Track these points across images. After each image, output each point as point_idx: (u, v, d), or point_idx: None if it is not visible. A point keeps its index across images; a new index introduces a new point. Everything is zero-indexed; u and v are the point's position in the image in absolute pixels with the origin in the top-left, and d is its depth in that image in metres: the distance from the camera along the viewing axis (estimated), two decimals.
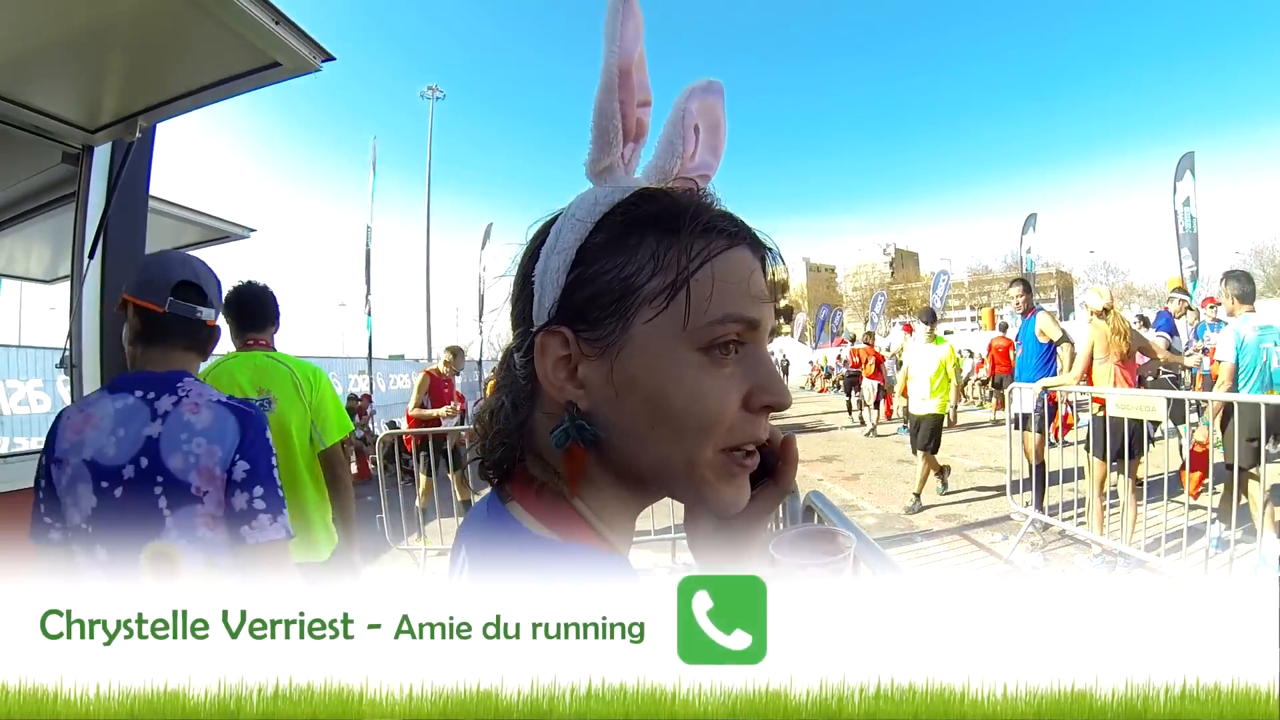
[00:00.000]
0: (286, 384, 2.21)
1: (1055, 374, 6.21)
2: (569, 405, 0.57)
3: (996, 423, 10.53)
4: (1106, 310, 5.40)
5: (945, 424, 7.24)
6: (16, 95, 1.99)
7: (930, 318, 7.64)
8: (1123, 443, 4.84)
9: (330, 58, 1.80)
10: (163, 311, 1.43)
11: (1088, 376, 5.37)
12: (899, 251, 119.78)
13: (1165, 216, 13.92)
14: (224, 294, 1.73)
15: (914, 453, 7.18)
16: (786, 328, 68.78)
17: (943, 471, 7.40)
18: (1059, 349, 6.26)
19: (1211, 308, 8.29)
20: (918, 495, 6.80)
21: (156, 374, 1.45)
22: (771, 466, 0.70)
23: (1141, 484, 5.21)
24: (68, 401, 2.30)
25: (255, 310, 2.31)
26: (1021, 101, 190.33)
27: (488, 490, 0.67)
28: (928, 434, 6.97)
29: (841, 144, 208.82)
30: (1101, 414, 5.03)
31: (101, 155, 2.26)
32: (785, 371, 27.36)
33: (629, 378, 0.56)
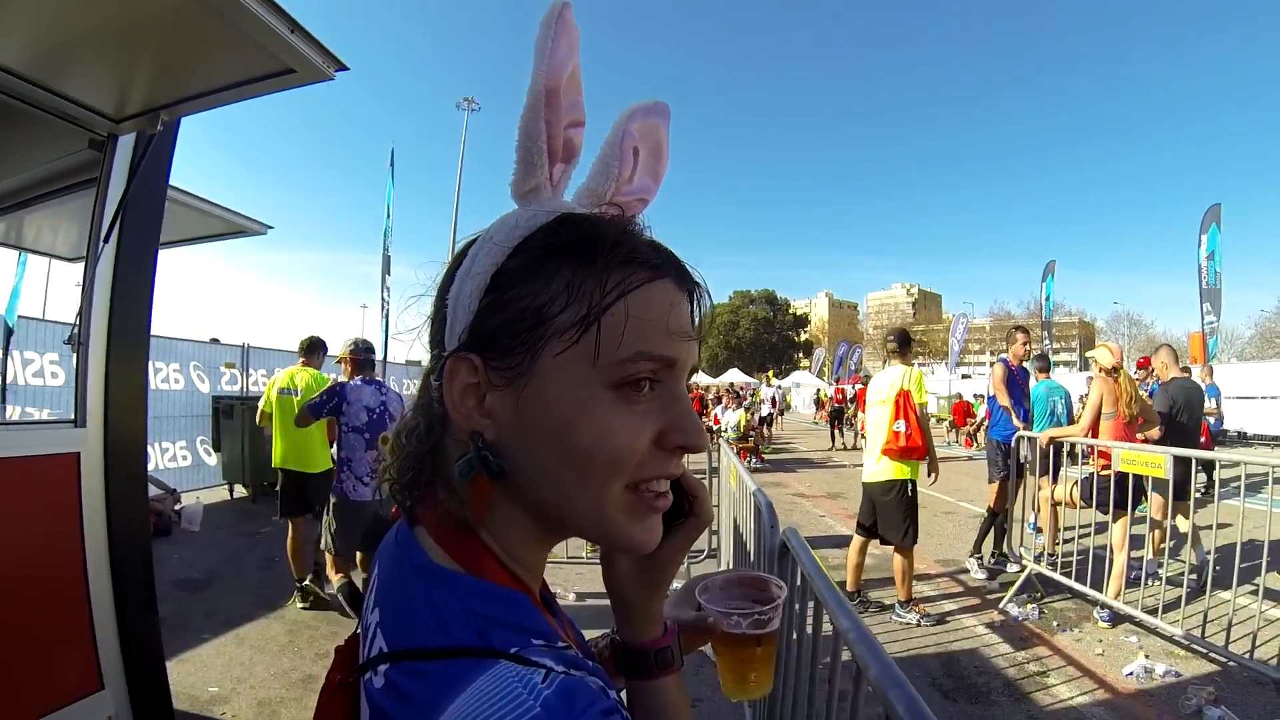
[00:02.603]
0: (309, 382, 5.56)
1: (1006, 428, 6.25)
2: (474, 435, 0.56)
3: (971, 459, 10.11)
4: (1115, 369, 5.40)
5: (914, 490, 4.95)
6: (50, 82, 2.08)
7: (901, 339, 5.26)
8: (1124, 495, 4.83)
9: (344, 67, 1.87)
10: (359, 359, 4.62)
11: (1093, 430, 5.35)
12: (922, 292, 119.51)
13: (1190, 269, 13.71)
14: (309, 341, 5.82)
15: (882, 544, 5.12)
16: (805, 361, 68.93)
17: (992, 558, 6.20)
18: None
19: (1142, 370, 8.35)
20: (904, 601, 4.94)
21: (369, 378, 4.67)
22: (687, 507, 0.69)
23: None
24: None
25: (311, 350, 5.63)
26: (1057, 146, 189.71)
27: None
28: (890, 517, 4.90)
29: (873, 182, 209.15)
30: (1106, 469, 5.01)
31: (125, 145, 2.34)
32: (782, 411, 26.93)
33: (536, 411, 0.54)
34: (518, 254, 0.56)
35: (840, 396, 22.19)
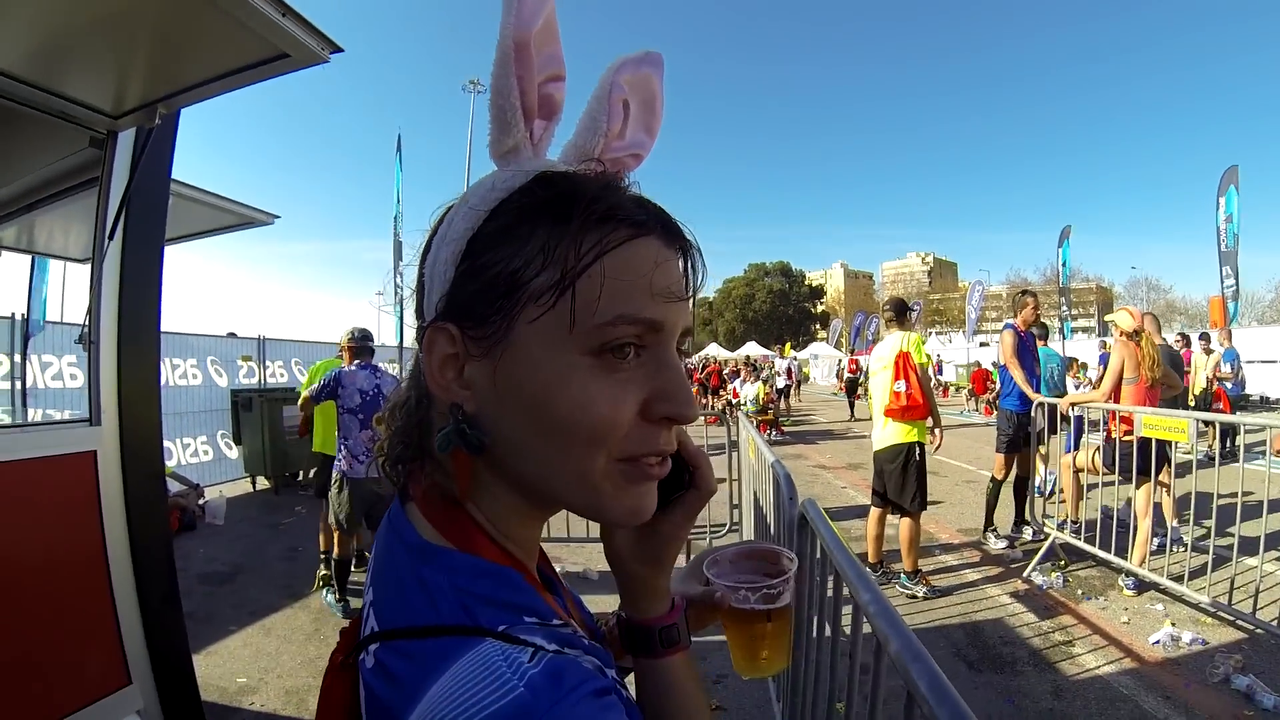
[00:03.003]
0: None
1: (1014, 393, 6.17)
2: (454, 407, 0.54)
3: (990, 426, 9.77)
4: (1137, 332, 5.31)
5: (921, 453, 4.83)
6: (48, 83, 2.08)
7: (897, 308, 5.20)
8: (1147, 461, 4.75)
9: (338, 49, 1.84)
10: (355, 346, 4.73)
11: (1114, 395, 5.27)
12: (938, 260, 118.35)
13: (1209, 232, 13.38)
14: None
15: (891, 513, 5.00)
16: (823, 333, 68.67)
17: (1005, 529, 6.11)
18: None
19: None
20: (911, 572, 4.86)
21: (365, 363, 4.76)
22: (687, 478, 0.67)
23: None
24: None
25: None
26: (1068, 109, 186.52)
27: None
28: (896, 483, 4.80)
29: (886, 151, 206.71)
30: (1129, 434, 4.93)
31: (125, 141, 2.34)
32: (799, 383, 26.82)
33: (512, 381, 0.52)
34: (494, 217, 0.53)
35: (854, 366, 22.56)
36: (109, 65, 1.99)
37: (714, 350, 45.06)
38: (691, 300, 0.57)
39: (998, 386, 6.99)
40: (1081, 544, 5.15)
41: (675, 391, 0.53)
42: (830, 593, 1.90)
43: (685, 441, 0.65)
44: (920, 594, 4.74)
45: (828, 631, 1.91)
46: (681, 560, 0.75)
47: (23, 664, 2.02)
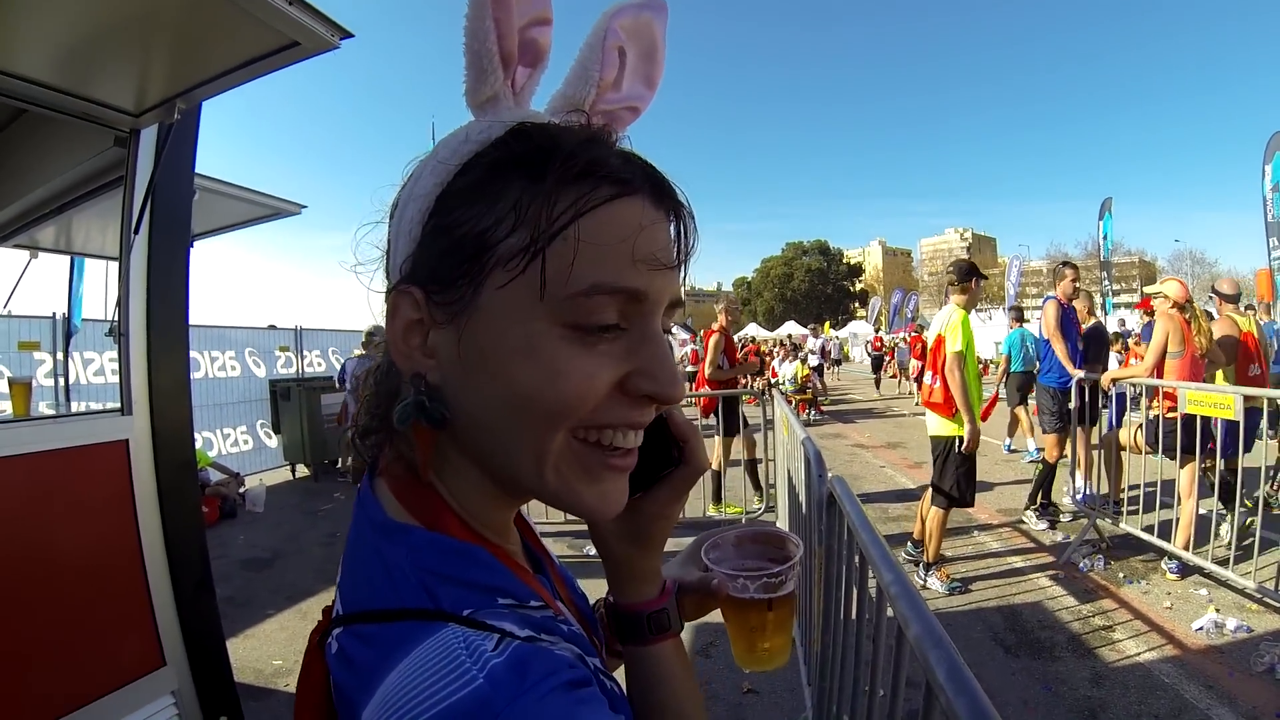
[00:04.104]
0: None
1: (1061, 374, 5.99)
2: (415, 377, 0.50)
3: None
4: (1187, 303, 5.12)
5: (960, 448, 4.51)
6: (71, 86, 2.12)
7: (961, 272, 4.75)
8: (1192, 439, 4.60)
9: (348, 34, 1.83)
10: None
11: (1158, 370, 5.10)
12: (976, 236, 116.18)
13: (1255, 202, 12.75)
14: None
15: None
16: (862, 311, 67.83)
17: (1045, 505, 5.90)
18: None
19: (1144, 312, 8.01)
20: (929, 564, 4.70)
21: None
22: (676, 454, 0.63)
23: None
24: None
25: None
26: (1110, 73, 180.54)
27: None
28: (937, 472, 4.63)
29: (923, 122, 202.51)
30: (1172, 411, 4.77)
31: (149, 138, 2.37)
32: (837, 361, 26.59)
33: (477, 351, 0.47)
34: (465, 172, 0.49)
35: (879, 344, 23.33)
36: (128, 65, 2.01)
37: (753, 330, 44.82)
38: (682, 268, 0.52)
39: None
40: (1124, 525, 5.02)
41: (658, 368, 0.48)
42: (857, 573, 1.86)
43: (674, 415, 0.62)
44: (939, 588, 4.54)
45: (854, 613, 1.88)
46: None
47: (61, 645, 2.09)
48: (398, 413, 0.50)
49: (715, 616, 0.79)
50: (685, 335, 17.02)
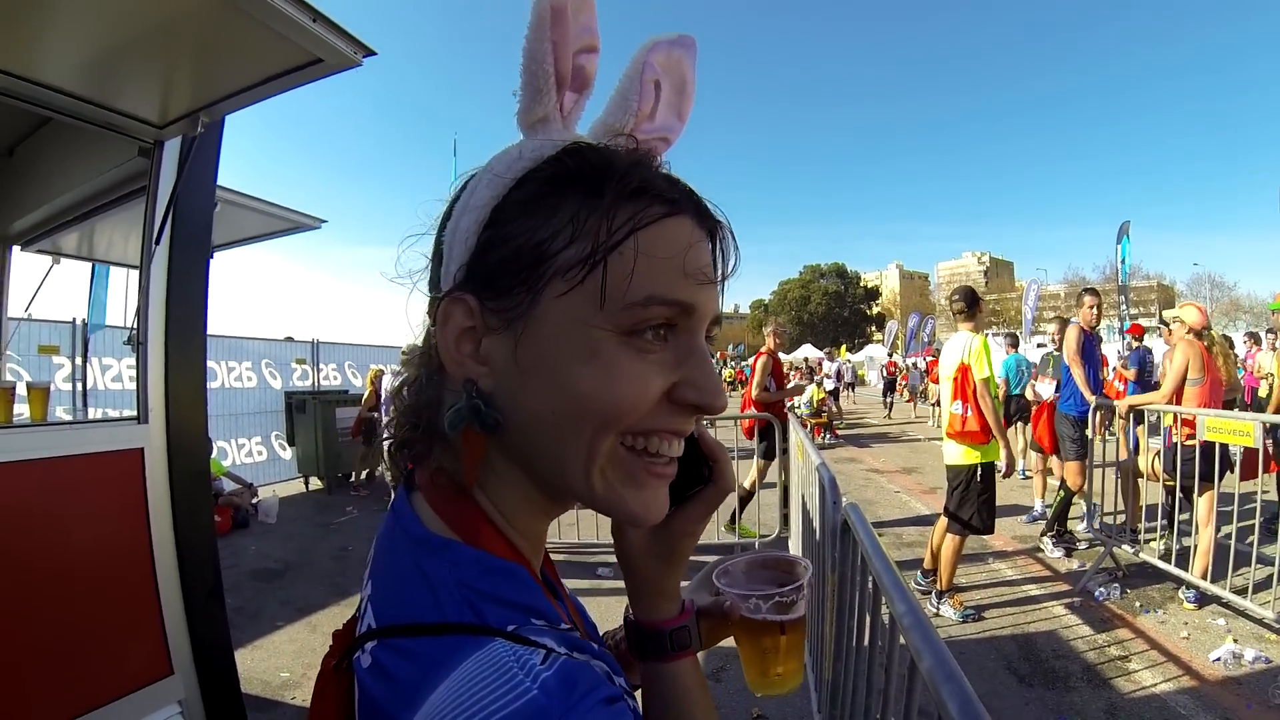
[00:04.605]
0: None
1: (1080, 402, 5.92)
2: (468, 383, 0.52)
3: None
4: (1204, 329, 5.07)
5: (985, 476, 4.47)
6: (98, 97, 2.17)
7: (968, 298, 4.74)
8: (1210, 467, 4.53)
9: (371, 52, 1.86)
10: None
11: (1176, 396, 5.04)
12: (994, 260, 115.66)
13: (1274, 225, 12.61)
14: None
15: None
16: (879, 334, 67.63)
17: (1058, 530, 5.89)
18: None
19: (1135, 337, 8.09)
20: (943, 592, 4.62)
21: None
22: (706, 473, 0.65)
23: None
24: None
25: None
26: (1127, 99, 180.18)
27: None
28: (956, 501, 4.53)
29: (941, 148, 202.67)
30: (1191, 438, 4.70)
31: (172, 150, 2.40)
32: (851, 386, 26.76)
33: (534, 356, 0.49)
34: (520, 186, 0.51)
35: (892, 369, 23.96)
36: (153, 78, 2.06)
37: None
38: (721, 286, 0.55)
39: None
40: (1141, 554, 4.94)
41: (705, 380, 0.51)
42: (870, 602, 1.84)
43: (705, 435, 0.63)
44: (952, 616, 4.46)
45: (866, 641, 1.86)
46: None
47: (70, 650, 2.10)
48: (450, 417, 0.52)
49: (726, 642, 0.79)
50: None
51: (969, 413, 4.44)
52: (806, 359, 32.26)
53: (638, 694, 0.69)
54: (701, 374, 0.51)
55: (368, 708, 0.46)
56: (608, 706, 0.41)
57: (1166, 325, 5.80)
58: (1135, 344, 7.80)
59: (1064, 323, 6.69)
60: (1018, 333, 10.96)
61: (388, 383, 7.38)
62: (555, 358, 0.49)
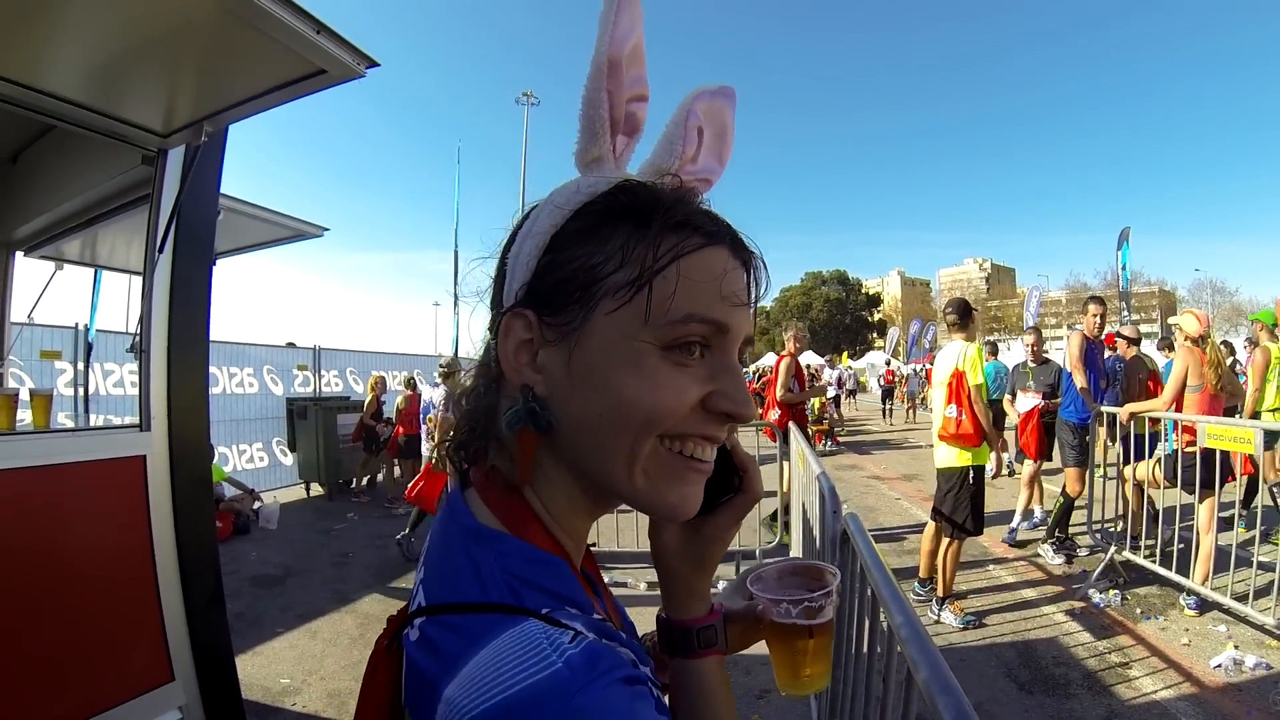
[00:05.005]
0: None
1: (1081, 409, 5.94)
2: (525, 388, 0.57)
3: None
4: (1202, 337, 5.08)
5: (976, 478, 4.55)
6: (103, 105, 2.19)
7: (960, 310, 4.87)
8: (1211, 474, 4.53)
9: (374, 64, 1.87)
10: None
11: (1177, 404, 5.05)
12: (995, 267, 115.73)
13: (1275, 230, 12.53)
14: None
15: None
16: (880, 341, 67.54)
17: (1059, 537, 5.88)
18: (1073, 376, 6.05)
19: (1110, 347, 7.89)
20: (943, 598, 4.64)
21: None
22: (737, 482, 0.70)
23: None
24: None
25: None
26: (1128, 105, 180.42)
27: None
28: (950, 505, 4.60)
29: (942, 154, 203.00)
30: (1191, 445, 4.71)
31: (175, 158, 2.42)
32: (852, 393, 26.97)
33: (586, 366, 0.55)
34: (577, 217, 0.58)
35: (890, 377, 24.45)
36: (157, 87, 2.07)
37: (771, 360, 44.68)
38: (753, 309, 0.61)
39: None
40: (1141, 560, 4.93)
41: (735, 391, 0.57)
42: (869, 612, 1.84)
43: (737, 447, 0.68)
44: (952, 623, 4.45)
45: (865, 649, 1.86)
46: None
47: (72, 655, 2.11)
48: (508, 417, 0.58)
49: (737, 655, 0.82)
50: None
51: (963, 416, 4.52)
52: (808, 365, 32.23)
53: (666, 697, 0.73)
54: (733, 386, 0.57)
55: (413, 677, 0.50)
56: (627, 686, 0.45)
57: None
58: (1111, 353, 7.79)
59: (1039, 333, 6.72)
60: (996, 340, 11.26)
61: (429, 393, 7.58)
62: (604, 367, 0.55)
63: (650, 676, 0.53)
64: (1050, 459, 6.88)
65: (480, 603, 0.50)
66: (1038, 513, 6.88)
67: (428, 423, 7.20)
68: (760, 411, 6.77)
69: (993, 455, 4.45)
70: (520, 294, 0.58)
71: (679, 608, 0.73)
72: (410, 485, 6.34)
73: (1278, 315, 6.51)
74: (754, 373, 29.31)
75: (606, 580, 0.80)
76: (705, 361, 0.56)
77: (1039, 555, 5.88)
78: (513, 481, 0.60)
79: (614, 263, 0.54)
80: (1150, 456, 5.40)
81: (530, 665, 0.43)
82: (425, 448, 7.32)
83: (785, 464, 6.32)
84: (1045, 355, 7.37)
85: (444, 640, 0.49)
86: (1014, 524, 6.44)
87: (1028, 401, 7.09)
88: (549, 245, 0.57)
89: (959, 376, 4.56)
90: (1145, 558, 4.93)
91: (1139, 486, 5.43)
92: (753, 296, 0.61)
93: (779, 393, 6.53)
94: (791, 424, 6.15)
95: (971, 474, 4.50)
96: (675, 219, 0.55)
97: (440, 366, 6.72)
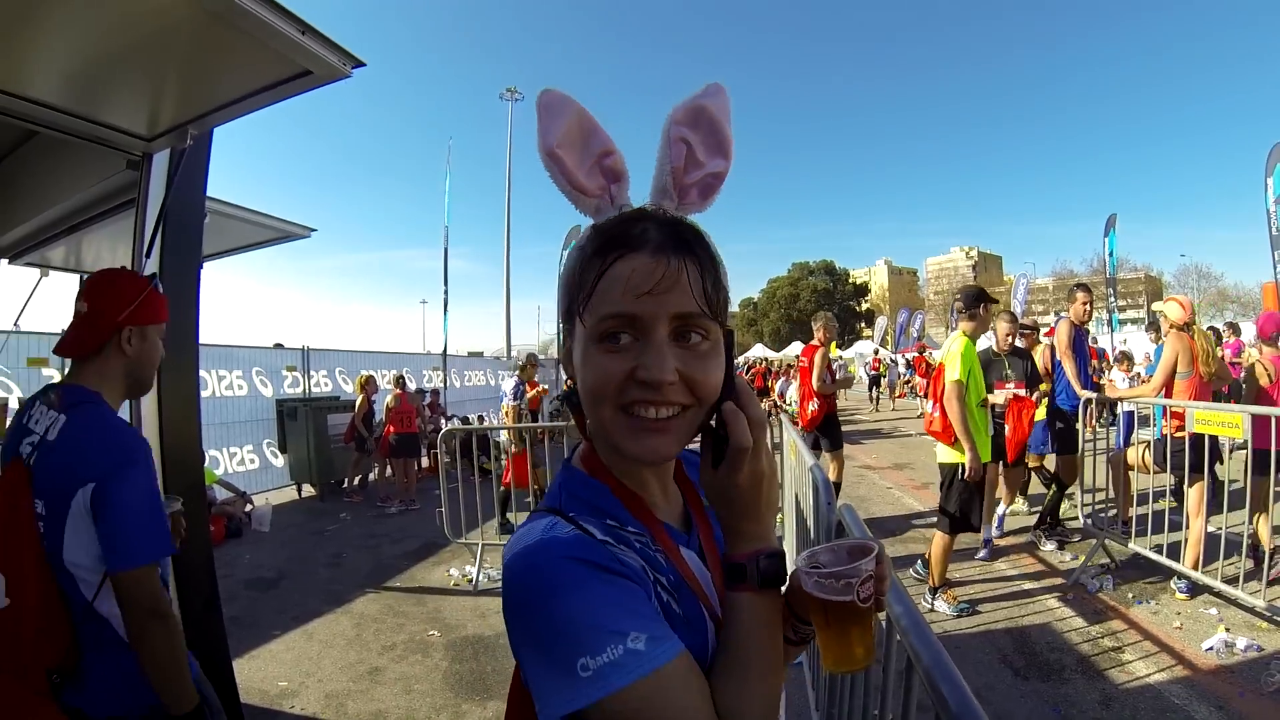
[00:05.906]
0: None
1: (1072, 396, 5.95)
2: (569, 379, 0.80)
3: None
4: (1188, 324, 5.12)
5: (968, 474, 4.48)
6: (85, 110, 2.15)
7: (968, 299, 4.80)
8: (1200, 458, 4.57)
9: (360, 64, 1.85)
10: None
11: (1167, 390, 5.08)
12: (982, 254, 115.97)
13: (1259, 215, 12.55)
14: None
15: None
16: (868, 331, 67.67)
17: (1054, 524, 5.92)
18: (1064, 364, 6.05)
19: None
20: (936, 588, 4.62)
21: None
22: (723, 433, 0.76)
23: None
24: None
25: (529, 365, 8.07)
26: (1110, 91, 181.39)
27: None
28: (943, 498, 4.68)
29: (928, 142, 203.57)
30: (1180, 430, 4.74)
31: (161, 162, 2.40)
32: (834, 379, 27.16)
33: (576, 361, 0.75)
34: (572, 255, 0.77)
35: (876, 365, 24.95)
36: (141, 91, 2.05)
37: (759, 351, 44.72)
38: (692, 288, 0.70)
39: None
40: (1132, 545, 4.98)
41: (650, 362, 0.69)
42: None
43: (726, 406, 0.75)
44: (947, 611, 4.48)
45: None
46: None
47: None
48: (559, 398, 0.89)
49: None
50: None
51: (936, 412, 4.56)
52: (798, 356, 32.29)
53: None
54: (648, 358, 0.69)
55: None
56: (570, 562, 0.67)
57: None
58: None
59: (1014, 320, 6.39)
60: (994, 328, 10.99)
61: (503, 385, 8.16)
62: (579, 361, 0.74)
63: (665, 583, 0.74)
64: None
65: (547, 506, 0.78)
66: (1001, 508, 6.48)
67: (502, 410, 7.99)
68: (766, 402, 6.76)
69: (969, 454, 4.42)
70: (561, 312, 0.78)
71: (727, 543, 0.79)
72: (503, 475, 7.30)
73: (1264, 300, 6.55)
74: (743, 364, 29.22)
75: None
76: (632, 344, 0.70)
77: (1032, 543, 5.92)
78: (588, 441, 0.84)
79: (577, 284, 0.73)
80: (1128, 444, 5.43)
81: (528, 536, 0.71)
82: (503, 436, 7.81)
83: (828, 455, 6.46)
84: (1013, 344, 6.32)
85: (519, 529, 0.76)
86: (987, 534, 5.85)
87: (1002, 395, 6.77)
88: (562, 279, 0.78)
89: (939, 371, 4.58)
90: (1136, 543, 4.97)
91: (1127, 472, 5.47)
92: (687, 284, 0.70)
93: (815, 383, 6.50)
94: (784, 417, 6.16)
95: (961, 470, 4.50)
96: (598, 244, 0.72)
97: (517, 363, 7.74)
